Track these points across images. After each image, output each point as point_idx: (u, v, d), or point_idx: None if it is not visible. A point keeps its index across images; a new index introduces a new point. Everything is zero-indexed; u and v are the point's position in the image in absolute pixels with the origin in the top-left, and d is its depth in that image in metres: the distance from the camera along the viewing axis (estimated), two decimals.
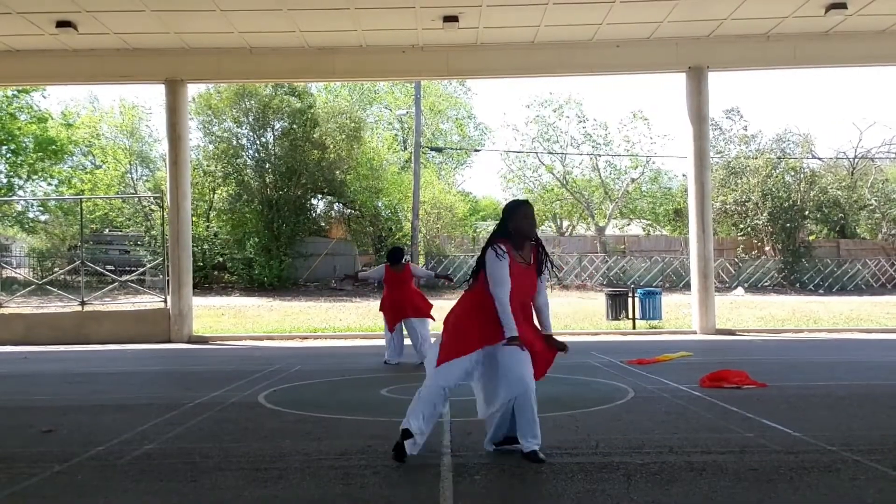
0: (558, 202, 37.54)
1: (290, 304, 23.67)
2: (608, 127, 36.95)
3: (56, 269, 26.79)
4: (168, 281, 15.40)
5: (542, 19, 13.30)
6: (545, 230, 37.96)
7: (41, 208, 32.18)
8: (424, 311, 10.09)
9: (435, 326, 10.51)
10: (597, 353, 11.18)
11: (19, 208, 31.59)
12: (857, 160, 35.46)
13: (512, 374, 4.59)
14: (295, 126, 28.93)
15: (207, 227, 28.66)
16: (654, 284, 26.88)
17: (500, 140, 55.94)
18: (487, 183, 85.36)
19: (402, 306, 10.09)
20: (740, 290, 28.44)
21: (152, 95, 66.81)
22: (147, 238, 28.02)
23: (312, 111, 29.28)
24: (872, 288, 29.56)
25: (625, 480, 4.17)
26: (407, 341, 10.32)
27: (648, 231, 36.54)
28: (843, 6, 12.87)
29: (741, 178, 31.16)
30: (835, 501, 3.81)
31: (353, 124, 29.79)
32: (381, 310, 10.47)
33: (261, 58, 14.80)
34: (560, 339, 4.89)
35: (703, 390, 7.37)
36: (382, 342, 10.85)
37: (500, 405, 4.69)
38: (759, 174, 30.80)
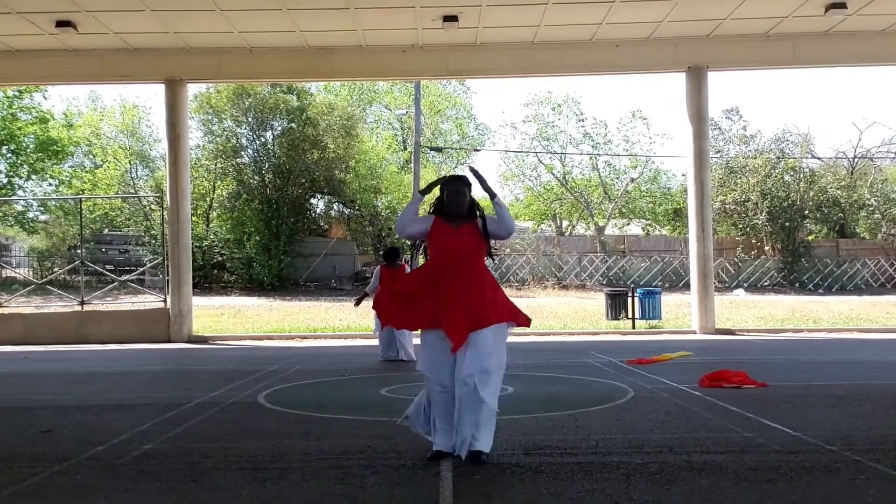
0: (558, 202, 37.50)
1: (289, 303, 23.65)
2: (608, 126, 36.95)
3: (56, 269, 26.78)
4: (168, 281, 15.41)
5: (542, 19, 13.29)
6: (544, 230, 37.92)
7: (41, 208, 32.16)
8: None
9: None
10: (596, 353, 11.18)
11: (19, 208, 31.55)
12: (856, 160, 35.42)
13: None
14: (294, 125, 28.92)
15: (208, 226, 28.66)
16: (654, 284, 26.81)
17: (499, 140, 55.83)
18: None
19: None
20: (741, 291, 28.36)
21: (152, 94, 66.67)
22: (147, 238, 28.00)
23: (309, 110, 29.21)
24: (872, 288, 29.52)
25: (624, 480, 4.17)
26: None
27: (648, 231, 36.49)
28: (843, 6, 12.87)
29: (740, 178, 31.14)
30: (835, 501, 3.81)
31: (345, 121, 29.68)
32: (374, 307, 10.48)
33: (261, 58, 14.79)
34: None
35: (702, 390, 7.37)
36: None
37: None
38: (758, 174, 30.77)
